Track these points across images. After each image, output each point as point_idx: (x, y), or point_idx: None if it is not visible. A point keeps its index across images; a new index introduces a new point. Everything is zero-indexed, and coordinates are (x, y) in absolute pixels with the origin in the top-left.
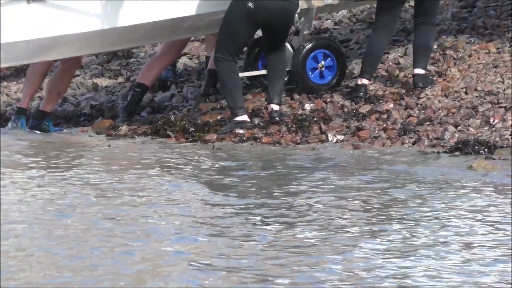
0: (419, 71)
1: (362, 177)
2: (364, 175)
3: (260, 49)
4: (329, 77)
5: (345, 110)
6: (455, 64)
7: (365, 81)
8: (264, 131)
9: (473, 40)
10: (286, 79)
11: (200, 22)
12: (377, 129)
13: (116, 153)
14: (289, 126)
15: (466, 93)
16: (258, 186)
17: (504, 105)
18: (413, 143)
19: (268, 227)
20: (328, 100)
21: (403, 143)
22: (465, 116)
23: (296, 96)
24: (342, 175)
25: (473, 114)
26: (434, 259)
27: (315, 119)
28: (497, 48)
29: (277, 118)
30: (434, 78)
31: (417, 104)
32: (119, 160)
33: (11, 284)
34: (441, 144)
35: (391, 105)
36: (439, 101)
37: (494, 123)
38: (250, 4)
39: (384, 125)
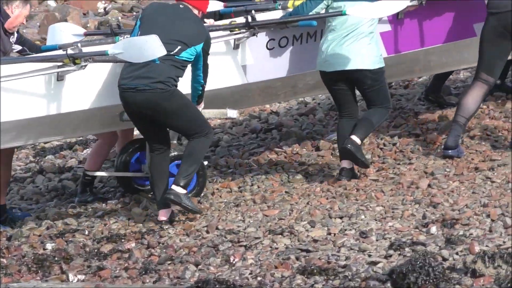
0: (356, 138)
1: None
2: None
3: (133, 150)
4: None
5: (87, 249)
6: (199, 202)
7: (344, 164)
8: (4, 271)
9: (215, 179)
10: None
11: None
12: (118, 268)
13: None
14: (29, 266)
15: (207, 231)
16: None
17: (244, 243)
18: (154, 282)
19: None
20: (70, 239)
21: (143, 283)
22: (206, 255)
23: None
24: None
25: (214, 253)
26: None
27: (56, 258)
28: (239, 187)
29: (172, 197)
30: (178, 217)
31: (159, 243)
32: None
33: None
34: (181, 283)
35: (133, 244)
36: (180, 240)
37: (234, 262)
38: (122, 103)
39: (126, 264)
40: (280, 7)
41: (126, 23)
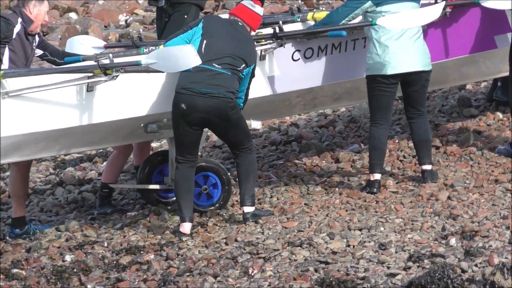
0: (427, 167)
1: None
2: None
3: (157, 163)
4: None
5: (106, 261)
6: (218, 213)
7: (377, 176)
8: (23, 283)
9: (235, 191)
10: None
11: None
12: (137, 280)
13: None
14: (48, 277)
15: (226, 243)
16: None
17: (263, 255)
18: None
19: None
20: (89, 250)
21: None
22: (224, 267)
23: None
24: None
25: (233, 265)
26: None
27: (75, 270)
28: (258, 199)
29: (250, 219)
30: (197, 229)
31: (178, 254)
32: None
33: None
34: None
35: (152, 256)
36: (199, 252)
37: (253, 274)
38: (183, 105)
39: (144, 276)
40: (299, 19)
41: (147, 35)
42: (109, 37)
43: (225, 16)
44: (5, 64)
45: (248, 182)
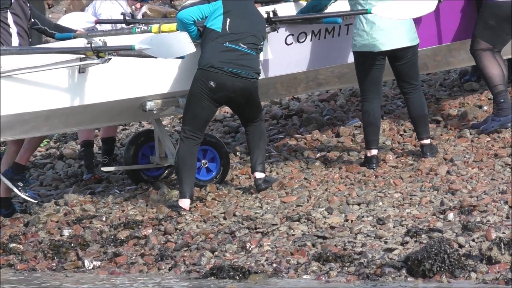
0: (426, 141)
1: None
2: None
3: (141, 143)
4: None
5: (104, 236)
6: (217, 188)
7: (374, 152)
8: (20, 257)
9: (234, 165)
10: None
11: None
12: (134, 254)
13: None
14: (45, 252)
15: (224, 218)
16: None
17: (261, 230)
18: (169, 269)
19: None
20: (87, 225)
21: (159, 269)
22: (222, 241)
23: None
24: None
25: (230, 240)
26: None
27: (72, 244)
28: None
29: (262, 185)
30: (195, 204)
31: (176, 229)
32: None
33: None
34: (197, 270)
35: (150, 231)
36: (197, 226)
37: (250, 248)
38: (212, 83)
39: (142, 251)
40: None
41: (151, 8)
42: None
43: None
44: (12, 27)
45: (259, 149)
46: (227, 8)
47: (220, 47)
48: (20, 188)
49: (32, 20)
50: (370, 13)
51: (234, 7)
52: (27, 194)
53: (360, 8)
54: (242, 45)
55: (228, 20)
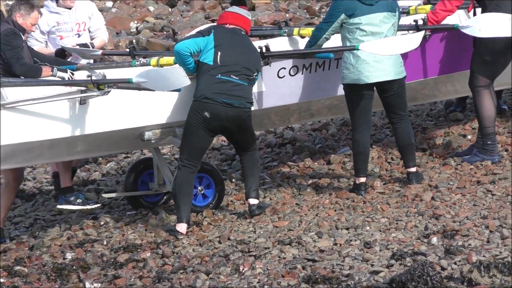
0: (412, 169)
1: None
2: None
3: (143, 168)
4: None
5: (104, 259)
6: (213, 213)
7: (362, 179)
8: (24, 280)
9: (230, 191)
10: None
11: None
12: (133, 277)
13: None
14: (49, 274)
15: (219, 242)
16: None
17: (254, 253)
18: None
19: None
20: (89, 248)
21: None
22: (217, 264)
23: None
24: None
25: (225, 262)
26: None
27: (74, 267)
28: None
29: (256, 211)
30: (192, 228)
31: (173, 252)
32: None
33: None
34: None
35: (148, 254)
36: (193, 250)
37: (243, 271)
38: (207, 114)
39: (140, 273)
40: (285, 34)
41: (155, 42)
42: (120, 44)
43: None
44: None
45: (253, 177)
46: (218, 41)
47: (213, 79)
48: (80, 204)
49: (33, 59)
50: (358, 49)
51: (225, 41)
52: (89, 204)
53: (348, 44)
54: (234, 77)
55: (219, 53)
